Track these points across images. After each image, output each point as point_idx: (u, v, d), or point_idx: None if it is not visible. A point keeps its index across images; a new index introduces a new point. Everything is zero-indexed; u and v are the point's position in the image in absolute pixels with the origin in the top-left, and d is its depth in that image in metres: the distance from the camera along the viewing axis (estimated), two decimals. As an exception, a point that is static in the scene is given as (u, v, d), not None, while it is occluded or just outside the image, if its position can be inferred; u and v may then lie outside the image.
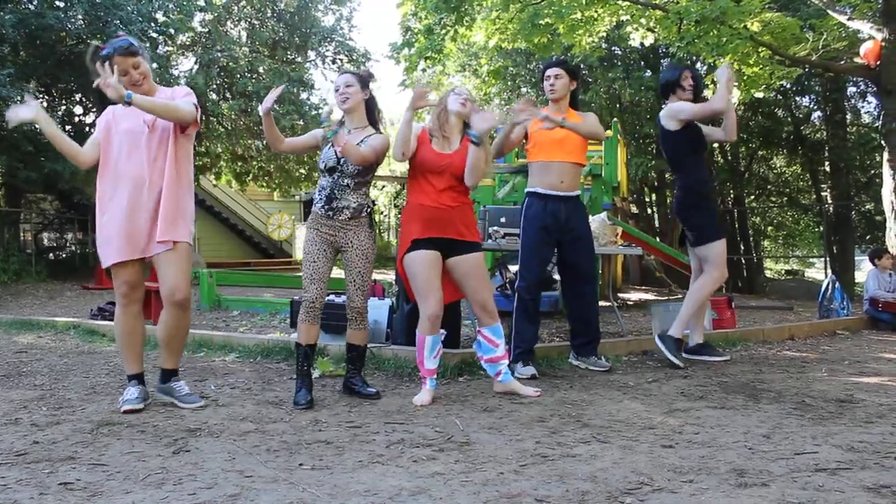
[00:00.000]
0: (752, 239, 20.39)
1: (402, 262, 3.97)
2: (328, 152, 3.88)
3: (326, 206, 3.88)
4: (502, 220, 6.40)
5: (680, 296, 7.82)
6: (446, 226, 3.93)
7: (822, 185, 18.11)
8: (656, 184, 17.45)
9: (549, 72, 4.73)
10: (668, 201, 16.11)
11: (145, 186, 3.56)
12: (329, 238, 3.89)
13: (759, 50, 9.44)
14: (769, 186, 19.80)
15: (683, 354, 5.11)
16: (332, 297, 5.34)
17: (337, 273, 4.70)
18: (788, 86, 14.59)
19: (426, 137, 4.01)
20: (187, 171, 3.72)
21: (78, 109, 16.14)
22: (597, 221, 6.64)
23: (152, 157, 3.59)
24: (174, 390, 3.72)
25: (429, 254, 3.89)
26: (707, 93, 11.08)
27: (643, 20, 10.19)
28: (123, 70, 3.54)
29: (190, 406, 3.63)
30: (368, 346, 4.16)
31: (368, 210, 3.98)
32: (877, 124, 16.09)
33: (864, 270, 10.67)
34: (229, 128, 18.06)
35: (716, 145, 17.30)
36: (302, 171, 20.24)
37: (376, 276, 4.88)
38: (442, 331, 4.00)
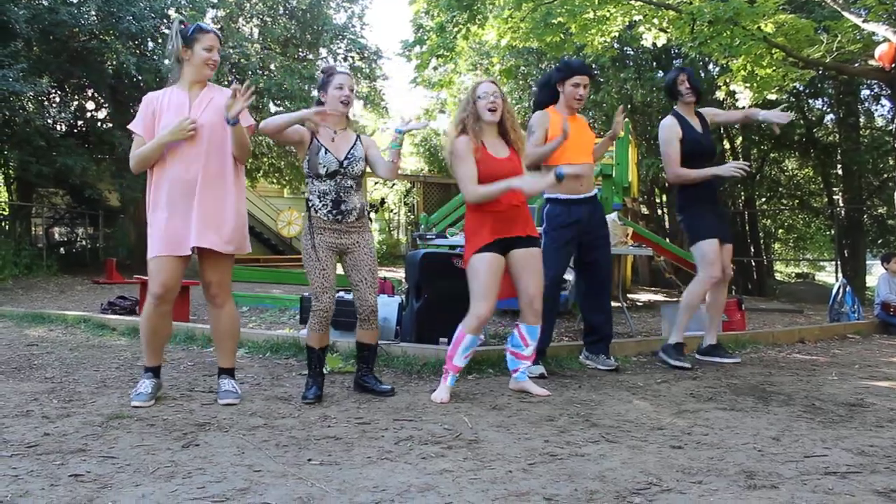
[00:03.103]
0: (762, 242, 20.30)
1: (468, 261, 3.94)
2: (326, 157, 3.80)
3: (335, 211, 3.83)
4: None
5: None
6: (513, 225, 3.95)
7: (834, 189, 18.02)
8: (667, 185, 17.39)
9: (580, 79, 4.64)
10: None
11: (187, 186, 3.56)
12: (333, 244, 3.85)
13: (773, 51, 9.40)
14: (780, 189, 19.70)
15: (696, 355, 5.11)
16: (341, 293, 5.35)
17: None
18: (801, 88, 14.53)
19: (478, 145, 3.95)
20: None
21: (90, 105, 16.23)
22: (607, 222, 6.64)
23: (196, 155, 3.59)
24: (218, 386, 3.76)
25: (495, 258, 3.89)
26: (719, 93, 11.07)
27: (656, 20, 10.16)
28: (211, 46, 3.62)
29: (221, 401, 3.64)
30: (378, 343, 4.16)
31: (368, 210, 4.00)
32: (890, 127, 16.05)
33: (875, 274, 10.62)
34: (240, 124, 18.07)
35: (727, 147, 17.26)
36: (312, 168, 20.24)
37: (386, 273, 4.91)
38: (481, 336, 4.00)
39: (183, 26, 3.66)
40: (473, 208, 3.99)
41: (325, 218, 3.83)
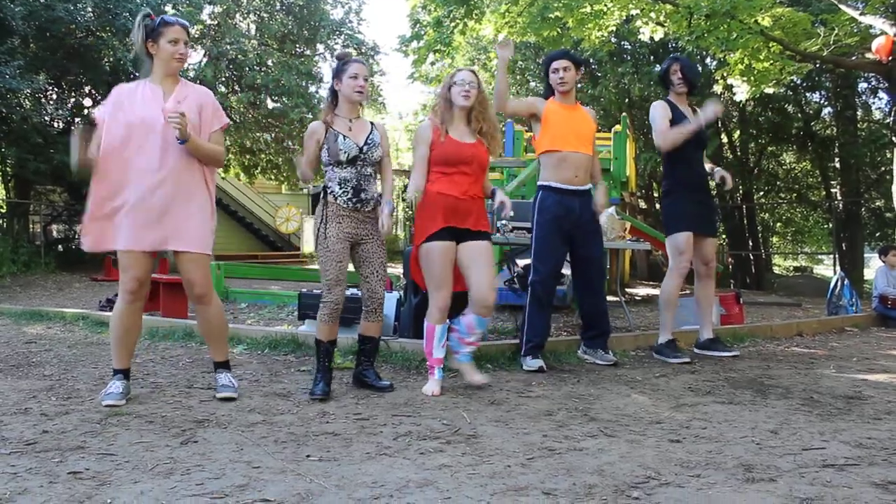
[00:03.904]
0: (760, 235, 20.32)
1: (419, 250, 3.98)
2: (346, 142, 3.78)
3: (355, 199, 3.81)
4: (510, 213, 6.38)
5: (688, 291, 7.79)
6: (466, 216, 3.96)
7: (832, 182, 18.04)
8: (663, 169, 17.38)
9: (557, 64, 4.68)
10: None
11: (158, 183, 3.49)
12: (350, 234, 3.83)
13: (770, 45, 9.39)
14: (778, 183, 19.72)
15: (694, 349, 5.13)
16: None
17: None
18: (799, 81, 14.52)
19: (439, 131, 4.00)
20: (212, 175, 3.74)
21: (87, 102, 16.19)
22: (605, 216, 6.63)
23: (169, 152, 3.51)
24: (216, 380, 3.75)
25: (447, 245, 3.92)
26: (717, 87, 11.08)
27: (653, 14, 10.15)
28: (177, 39, 3.56)
29: (219, 395, 3.64)
30: (381, 337, 4.16)
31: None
32: (888, 120, 16.04)
33: (873, 268, 10.63)
34: (238, 121, 18.08)
35: (725, 141, 17.26)
36: (311, 164, 20.21)
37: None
38: (447, 322, 4.02)
39: (150, 19, 3.60)
40: (428, 192, 3.99)
41: (345, 205, 3.82)
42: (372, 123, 3.98)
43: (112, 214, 3.53)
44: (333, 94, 3.95)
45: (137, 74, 13.73)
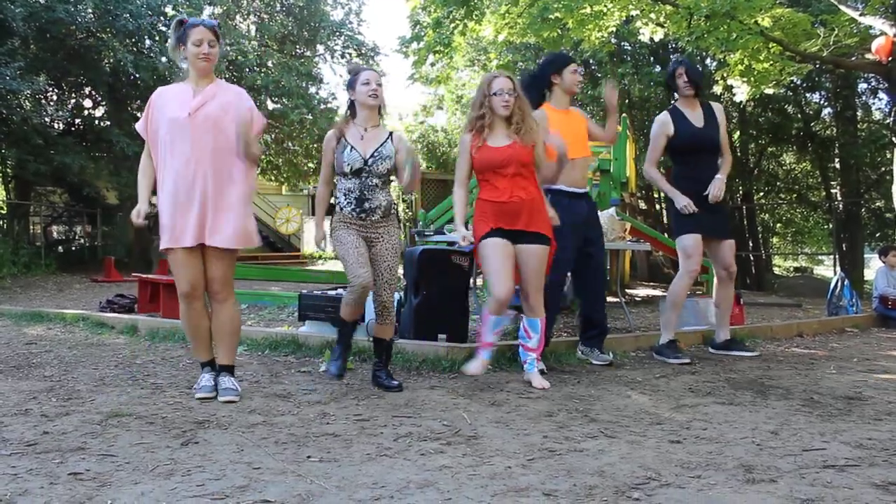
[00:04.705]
0: (760, 236, 20.30)
1: (477, 250, 4.09)
2: (351, 154, 3.86)
3: (358, 209, 3.89)
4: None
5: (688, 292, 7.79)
6: (515, 218, 4.03)
7: (832, 182, 18.02)
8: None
9: (575, 66, 4.73)
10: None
11: (189, 180, 3.57)
12: (361, 233, 3.93)
13: (770, 45, 9.39)
14: (778, 183, 19.69)
15: (710, 350, 5.15)
16: (340, 290, 5.35)
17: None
18: (799, 82, 14.50)
19: (477, 141, 4.08)
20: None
21: (88, 103, 16.20)
22: (605, 217, 6.64)
23: (196, 149, 3.58)
24: (218, 383, 3.76)
25: (499, 241, 4.02)
26: (717, 88, 11.08)
27: (653, 15, 10.14)
28: (200, 40, 3.64)
29: (222, 399, 3.65)
30: (392, 339, 4.20)
31: (395, 207, 4.03)
32: (888, 121, 16.04)
33: (873, 268, 10.63)
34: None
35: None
36: (310, 164, 20.28)
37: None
38: (510, 311, 4.18)
39: (182, 25, 3.72)
40: (478, 198, 4.15)
41: (350, 215, 3.91)
42: (391, 134, 4.03)
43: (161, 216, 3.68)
44: (351, 105, 4.05)
45: (138, 75, 13.84)
